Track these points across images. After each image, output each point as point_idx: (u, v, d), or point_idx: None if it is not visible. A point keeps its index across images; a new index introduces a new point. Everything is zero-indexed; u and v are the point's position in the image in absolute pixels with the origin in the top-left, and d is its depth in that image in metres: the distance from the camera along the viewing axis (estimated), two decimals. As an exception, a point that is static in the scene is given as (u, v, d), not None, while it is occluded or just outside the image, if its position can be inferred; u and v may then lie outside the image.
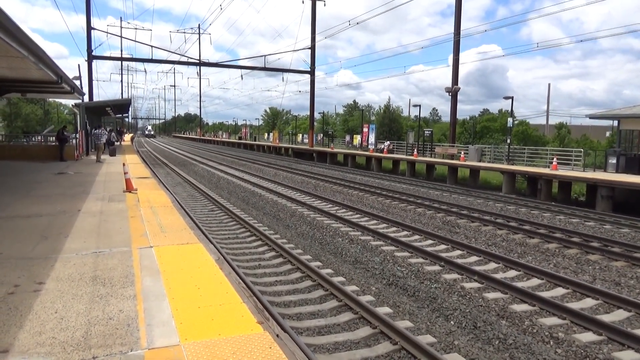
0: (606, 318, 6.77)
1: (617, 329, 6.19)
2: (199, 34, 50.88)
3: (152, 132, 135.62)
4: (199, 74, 72.99)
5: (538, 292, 7.71)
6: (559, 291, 7.96)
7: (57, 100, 65.84)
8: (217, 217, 14.31)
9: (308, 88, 44.05)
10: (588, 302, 7.45)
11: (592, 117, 28.48)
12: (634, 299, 7.39)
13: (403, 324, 6.41)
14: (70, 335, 3.64)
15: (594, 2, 14.95)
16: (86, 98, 30.61)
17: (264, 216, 14.65)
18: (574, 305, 7.21)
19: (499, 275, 8.66)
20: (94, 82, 37.69)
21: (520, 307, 7.10)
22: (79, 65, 31.00)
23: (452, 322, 6.73)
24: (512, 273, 8.94)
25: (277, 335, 3.77)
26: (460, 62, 31.39)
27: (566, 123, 57.93)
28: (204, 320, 3.98)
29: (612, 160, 21.66)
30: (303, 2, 39.56)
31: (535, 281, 8.47)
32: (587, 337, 6.15)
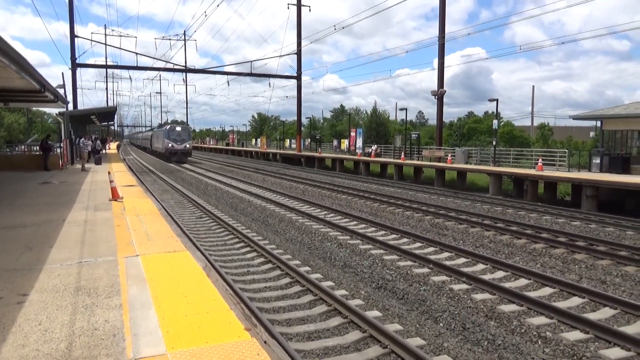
0: (593, 316, 6.85)
1: (603, 327, 6.26)
2: (185, 40, 50.75)
3: (184, 144, 46.96)
4: (185, 81, 72.69)
5: (526, 292, 7.77)
6: (546, 291, 8.04)
7: (41, 109, 65.07)
8: (205, 224, 14.22)
9: (295, 93, 44.08)
10: (575, 301, 7.53)
11: (575, 118, 28.85)
12: (620, 297, 7.49)
13: (392, 327, 6.42)
14: (55, 347, 3.58)
15: (575, 4, 15.21)
16: (71, 106, 30.29)
17: (252, 222, 14.59)
18: (561, 305, 7.28)
19: (487, 277, 8.71)
20: (79, 90, 37.34)
21: (508, 308, 7.15)
22: (62, 74, 30.71)
23: (441, 324, 6.75)
24: (500, 274, 9.00)
25: (265, 342, 3.74)
26: (445, 65, 31.66)
27: (548, 123, 58.72)
28: (191, 328, 3.94)
29: (596, 160, 21.96)
30: (288, 8, 39.67)
31: (522, 281, 8.54)
32: (575, 335, 6.21)
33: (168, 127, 48.52)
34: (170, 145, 45.16)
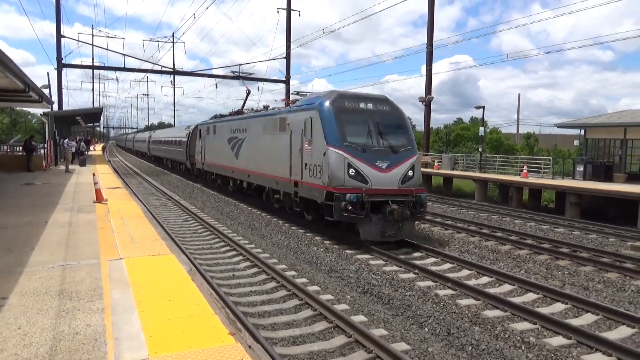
0: (575, 322, 6.92)
1: (586, 333, 6.33)
2: (173, 42, 50.51)
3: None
4: (173, 83, 72.08)
5: (510, 298, 7.83)
6: (530, 296, 8.11)
7: (25, 109, 64.12)
8: (191, 227, 14.10)
9: (283, 97, 44.07)
10: (558, 307, 7.61)
11: (560, 126, 29.31)
12: (602, 303, 7.58)
13: (378, 332, 6.41)
14: (34, 352, 3.51)
15: (561, 15, 15.48)
16: (56, 107, 29.88)
17: (238, 226, 14.51)
18: (545, 310, 7.35)
19: (471, 282, 8.77)
20: (64, 91, 36.87)
21: (492, 313, 7.20)
22: (47, 74, 30.30)
23: (426, 329, 6.77)
24: (485, 279, 9.07)
25: (250, 347, 3.72)
26: (433, 72, 31.93)
27: (534, 133, 59.62)
28: (174, 332, 3.90)
29: (580, 168, 22.29)
30: (278, 12, 39.70)
31: (507, 287, 8.61)
32: (557, 341, 6.26)
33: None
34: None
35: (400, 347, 5.99)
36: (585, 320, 7.09)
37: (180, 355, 3.47)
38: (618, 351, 5.85)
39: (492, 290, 8.21)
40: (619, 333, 6.60)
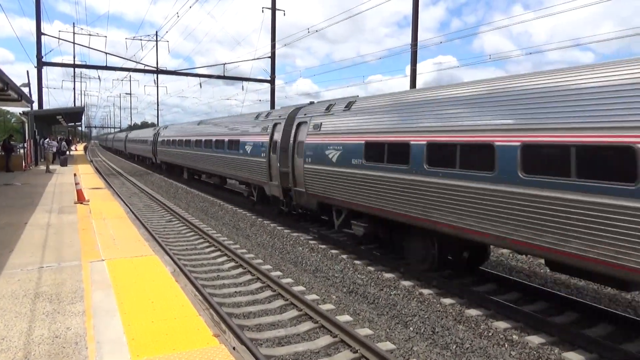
0: (557, 319, 7.01)
1: (567, 330, 6.42)
2: (156, 41, 49.99)
3: None
4: (157, 82, 71.26)
5: (493, 297, 7.91)
6: (513, 295, 8.19)
7: (3, 107, 62.85)
8: (175, 227, 13.97)
9: (268, 97, 43.92)
10: (540, 305, 7.70)
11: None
12: (582, 300, 7.70)
13: (363, 332, 6.42)
14: (12, 356, 3.43)
15: (542, 17, 15.68)
16: (36, 106, 29.35)
17: (223, 226, 14.41)
18: (527, 308, 7.44)
19: (456, 281, 8.82)
20: (45, 90, 36.24)
21: (476, 312, 7.26)
22: (27, 72, 29.69)
23: (411, 328, 6.80)
24: (469, 279, 9.13)
25: (234, 348, 3.68)
26: (417, 72, 32.13)
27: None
28: (157, 335, 3.85)
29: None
30: (263, 11, 39.55)
31: (490, 286, 8.69)
32: (540, 338, 6.34)
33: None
34: None
35: (385, 346, 6.01)
36: (567, 317, 7.19)
37: (163, 358, 3.43)
38: (599, 347, 5.95)
39: (475, 289, 8.28)
40: (600, 330, 6.71)
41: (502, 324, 6.80)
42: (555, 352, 5.99)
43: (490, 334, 6.49)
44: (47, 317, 4.19)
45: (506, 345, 6.19)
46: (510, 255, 11.03)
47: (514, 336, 6.40)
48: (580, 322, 7.08)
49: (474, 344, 6.19)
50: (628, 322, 6.77)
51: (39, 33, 33.00)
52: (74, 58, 52.38)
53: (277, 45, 38.47)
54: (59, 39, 40.46)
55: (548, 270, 9.81)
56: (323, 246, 11.37)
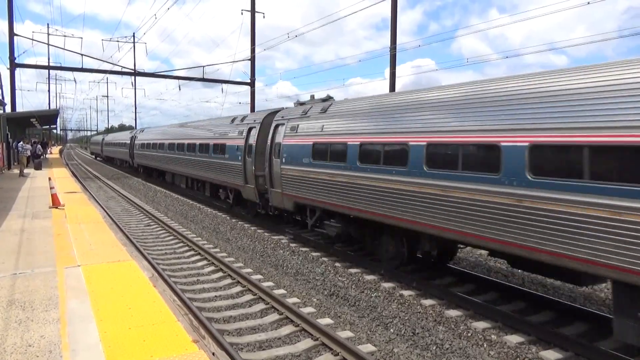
0: (534, 319, 7.13)
1: (544, 329, 6.53)
2: (134, 42, 49.26)
3: None
4: (134, 84, 70.20)
5: (472, 297, 7.99)
6: (492, 295, 8.30)
7: (-25, 110, 61.05)
8: (154, 232, 13.77)
9: (248, 99, 43.69)
10: (518, 305, 7.82)
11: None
12: (558, 299, 7.85)
13: (344, 334, 6.42)
14: (-18, 366, 3.33)
15: (517, 21, 16.01)
16: (8, 108, 28.64)
17: (203, 230, 14.27)
18: (505, 308, 7.54)
19: (436, 282, 8.90)
20: (18, 92, 35.39)
21: (455, 313, 7.33)
22: None
23: (391, 330, 6.83)
24: (448, 280, 9.22)
25: (213, 354, 3.64)
26: (396, 75, 32.35)
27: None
28: (134, 342, 3.78)
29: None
30: (242, 14, 39.38)
31: (469, 286, 8.78)
32: (518, 338, 6.43)
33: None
34: None
35: (366, 348, 6.02)
36: (544, 316, 7.31)
37: (141, 365, 3.37)
38: (574, 345, 6.07)
39: (455, 289, 8.36)
40: (576, 329, 6.84)
41: (481, 324, 6.88)
42: (532, 350, 6.08)
43: (469, 334, 6.56)
44: (20, 325, 4.08)
45: (485, 345, 6.26)
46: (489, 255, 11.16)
47: (493, 336, 6.48)
48: (557, 320, 7.20)
49: (454, 344, 6.25)
50: (602, 320, 6.91)
51: (12, 34, 32.23)
52: (49, 59, 51.28)
53: (257, 49, 38.33)
54: (32, 40, 39.55)
55: (525, 272, 9.97)
56: (304, 249, 11.35)
